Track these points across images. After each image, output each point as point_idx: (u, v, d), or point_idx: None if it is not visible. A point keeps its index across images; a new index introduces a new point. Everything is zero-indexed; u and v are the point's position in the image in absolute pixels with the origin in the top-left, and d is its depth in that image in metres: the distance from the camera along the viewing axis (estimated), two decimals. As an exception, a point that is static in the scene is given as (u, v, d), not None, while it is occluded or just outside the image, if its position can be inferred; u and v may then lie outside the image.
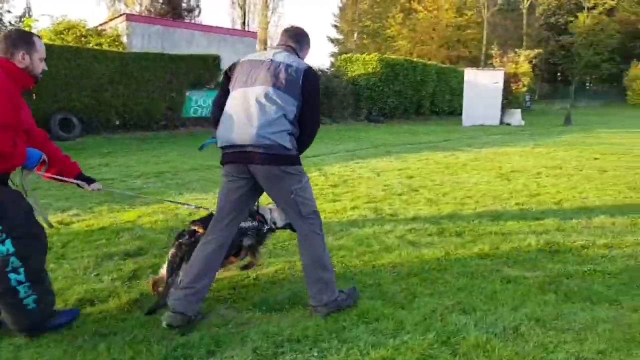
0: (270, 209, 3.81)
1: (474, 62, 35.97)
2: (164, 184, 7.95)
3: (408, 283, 3.88)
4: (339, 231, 5.32)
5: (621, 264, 4.38)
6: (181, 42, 17.26)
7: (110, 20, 19.39)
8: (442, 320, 3.23)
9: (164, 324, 3.05)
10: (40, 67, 3.03)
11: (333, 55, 45.32)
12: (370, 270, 4.18)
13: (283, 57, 3.24)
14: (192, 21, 36.76)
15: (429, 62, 25.70)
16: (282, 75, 3.14)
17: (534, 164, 10.22)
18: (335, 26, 52.85)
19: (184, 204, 4.49)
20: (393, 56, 23.02)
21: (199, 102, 16.00)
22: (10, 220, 2.82)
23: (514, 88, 22.70)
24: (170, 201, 5.97)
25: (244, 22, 44.19)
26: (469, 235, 5.23)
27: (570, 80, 49.51)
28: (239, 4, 44.89)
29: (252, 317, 3.31)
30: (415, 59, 25.03)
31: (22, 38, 2.96)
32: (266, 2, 44.70)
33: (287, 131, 3.10)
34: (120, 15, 19.61)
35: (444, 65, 26.58)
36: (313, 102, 3.23)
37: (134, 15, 22.20)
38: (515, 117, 21.93)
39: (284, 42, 3.43)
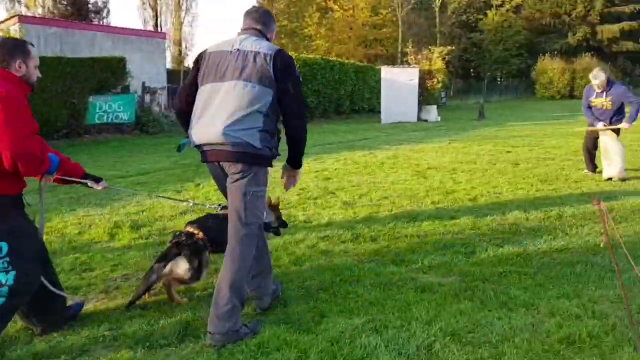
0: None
1: (391, 60, 36.47)
2: (57, 199, 7.21)
3: (317, 300, 3.55)
4: (247, 244, 4.92)
5: (536, 262, 4.26)
6: (82, 45, 16.19)
7: (1, 22, 17.91)
8: (351, 344, 2.92)
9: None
10: (35, 74, 2.99)
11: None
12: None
13: (250, 44, 3.05)
14: (101, 23, 35.07)
15: (347, 61, 25.72)
16: (251, 66, 2.96)
17: (449, 159, 10.23)
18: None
19: (183, 200, 4.78)
20: (310, 55, 22.78)
21: (104, 107, 15.06)
22: (16, 254, 2.77)
23: (428, 85, 23.10)
24: (169, 198, 6.13)
25: (156, 23, 42.73)
26: (384, 240, 4.99)
27: (482, 76, 51.35)
28: (149, 4, 43.35)
29: (134, 357, 2.85)
30: (332, 58, 24.96)
31: (18, 46, 2.95)
32: (179, 2, 43.43)
33: (257, 128, 2.93)
34: (12, 17, 18.17)
35: (361, 64, 26.69)
36: (290, 87, 3.02)
37: (27, 16, 20.69)
38: (432, 113, 22.29)
39: (249, 25, 3.23)
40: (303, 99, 3.17)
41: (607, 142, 7.87)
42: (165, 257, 3.46)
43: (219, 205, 3.99)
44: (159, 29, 41.66)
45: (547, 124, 19.03)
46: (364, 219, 5.84)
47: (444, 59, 23.57)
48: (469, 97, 44.36)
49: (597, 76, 7.97)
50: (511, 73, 50.22)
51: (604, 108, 8.03)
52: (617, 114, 8.07)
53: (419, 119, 22.12)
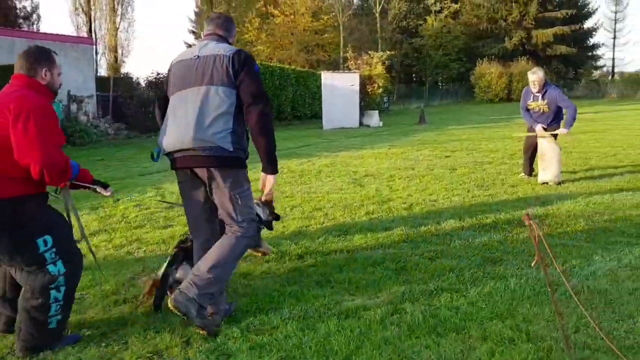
0: (256, 204, 3.86)
1: (334, 66, 36.33)
2: None
3: (226, 337, 3.11)
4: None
5: (469, 277, 4.00)
6: (1, 52, 15.15)
7: None
8: (257, 390, 2.52)
9: None
10: (58, 82, 3.10)
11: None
12: (181, 332, 3.18)
13: (210, 49, 3.14)
14: (31, 29, 33.46)
15: (287, 67, 25.35)
16: (213, 69, 3.04)
17: (388, 166, 10.00)
18: (193, 32, 51.26)
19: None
20: (271, 64, 22.37)
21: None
22: (60, 243, 2.94)
23: (369, 90, 22.99)
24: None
25: (90, 29, 41.17)
26: (311, 258, 4.63)
27: (424, 80, 52.18)
28: (82, 9, 41.77)
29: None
30: (272, 64, 24.55)
31: (43, 54, 3.03)
32: (113, 7, 42.06)
33: (228, 130, 3.00)
34: None
35: (302, 69, 26.35)
36: (247, 78, 3.04)
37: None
38: (374, 118, 22.21)
39: (211, 30, 3.32)
40: (262, 91, 3.12)
41: (545, 146, 7.81)
42: (174, 262, 3.60)
43: None
44: (93, 35, 40.18)
45: (485, 127, 19.24)
46: (293, 233, 5.47)
47: (384, 63, 23.55)
48: (412, 101, 44.92)
49: (535, 71, 7.95)
50: (451, 77, 51.16)
51: (542, 111, 7.98)
52: (555, 117, 8.04)
53: (361, 124, 22.00)
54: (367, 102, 23.08)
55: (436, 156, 11.24)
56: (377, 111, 22.76)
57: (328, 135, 18.71)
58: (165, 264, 3.63)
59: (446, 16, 50.03)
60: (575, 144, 12.69)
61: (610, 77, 50.65)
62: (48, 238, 2.89)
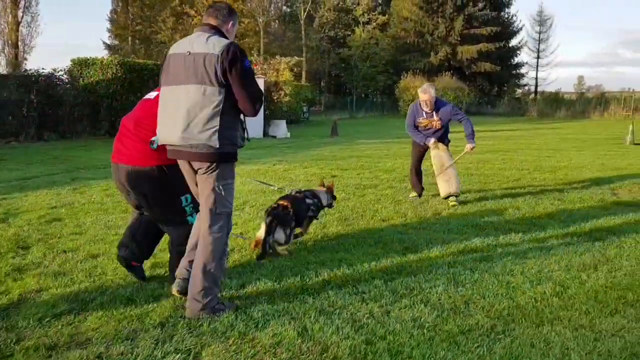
0: (321, 191, 5.30)
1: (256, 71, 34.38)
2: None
3: None
4: None
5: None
6: None
7: None
8: None
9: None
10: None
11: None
12: None
13: (201, 45, 3.17)
14: None
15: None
16: (202, 68, 3.10)
17: (251, 189, 8.14)
18: (110, 30, 47.97)
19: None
20: (140, 60, 19.91)
21: None
22: (194, 201, 3.60)
23: (275, 97, 21.02)
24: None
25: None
26: None
27: (351, 91, 51.06)
28: (-20, 0, 37.80)
29: None
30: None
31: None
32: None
33: (214, 129, 3.09)
34: None
35: None
36: (238, 86, 3.13)
37: None
38: (281, 128, 20.37)
39: (205, 20, 3.35)
40: (252, 91, 3.19)
41: (443, 157, 7.44)
42: (270, 232, 4.50)
43: (292, 190, 5.28)
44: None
45: (395, 143, 17.78)
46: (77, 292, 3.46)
47: (292, 69, 21.72)
48: (337, 112, 43.54)
49: (427, 90, 7.23)
50: (379, 89, 50.35)
51: (434, 127, 7.46)
52: (445, 132, 7.70)
53: (265, 134, 20.06)
54: (272, 110, 21.18)
55: (320, 176, 9.48)
56: (284, 121, 20.85)
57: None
58: (263, 228, 4.56)
59: (374, 28, 49.20)
60: (480, 165, 11.33)
61: (532, 96, 51.21)
62: (188, 196, 3.65)
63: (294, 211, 4.68)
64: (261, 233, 4.51)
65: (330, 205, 5.41)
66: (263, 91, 17.45)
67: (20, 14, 39.43)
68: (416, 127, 7.54)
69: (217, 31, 3.24)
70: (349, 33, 49.77)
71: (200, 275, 3.21)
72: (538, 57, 55.34)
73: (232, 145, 3.19)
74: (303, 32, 42.28)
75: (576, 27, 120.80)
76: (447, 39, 46.95)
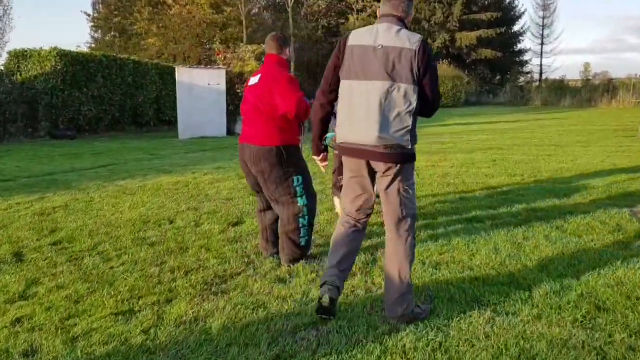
0: None
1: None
2: None
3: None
4: None
5: None
6: None
7: None
8: None
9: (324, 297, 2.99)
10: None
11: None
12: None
13: (392, 38, 2.96)
14: None
15: (146, 60, 20.89)
16: (396, 65, 2.92)
17: (143, 213, 5.96)
18: (94, 22, 45.67)
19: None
20: (85, 51, 17.72)
21: None
22: (305, 182, 4.10)
23: (240, 90, 18.69)
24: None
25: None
26: None
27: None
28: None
29: None
30: (124, 56, 20.03)
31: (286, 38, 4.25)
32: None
33: (407, 128, 2.97)
34: None
35: (167, 64, 21.75)
36: (430, 86, 3.02)
37: None
38: (249, 125, 18.09)
39: (387, 11, 3.11)
40: (438, 88, 3.12)
41: None
42: None
43: None
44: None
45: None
46: None
47: (258, 58, 19.42)
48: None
49: None
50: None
51: None
52: None
53: (231, 132, 17.78)
54: (238, 105, 18.91)
55: (238, 188, 7.30)
56: (253, 117, 18.53)
57: (180, 146, 14.47)
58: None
59: (369, 15, 46.61)
60: (462, 169, 9.10)
61: (536, 84, 48.56)
62: (300, 177, 4.06)
63: None
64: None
65: None
66: (226, 83, 15.46)
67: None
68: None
69: (403, 23, 3.06)
70: (343, 21, 47.36)
71: (397, 283, 3.09)
72: (542, 44, 52.68)
73: (414, 144, 3.04)
74: (290, 21, 39.80)
75: (580, 14, 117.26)
76: (445, 25, 44.45)
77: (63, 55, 16.04)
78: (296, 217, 4.04)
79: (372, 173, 3.13)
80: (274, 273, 3.97)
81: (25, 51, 16.40)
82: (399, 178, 3.06)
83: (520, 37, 50.61)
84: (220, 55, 20.11)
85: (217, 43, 21.86)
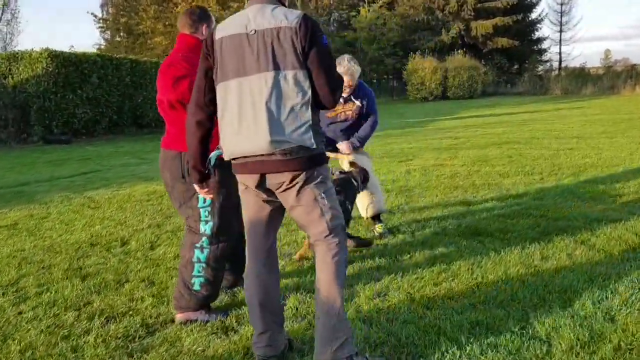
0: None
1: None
2: None
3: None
4: None
5: None
6: None
7: None
8: None
9: None
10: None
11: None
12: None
13: (267, 18, 2.35)
14: None
15: (145, 59, 20.17)
16: (277, 50, 2.33)
17: (91, 234, 5.16)
18: (102, 23, 45.31)
19: None
20: (79, 51, 17.00)
21: None
22: (218, 207, 3.01)
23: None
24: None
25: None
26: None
27: (360, 77, 47.56)
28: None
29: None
30: (121, 55, 19.33)
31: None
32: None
33: (307, 123, 2.35)
34: None
35: None
36: (320, 63, 2.37)
37: None
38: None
39: None
40: (334, 70, 2.46)
41: (366, 163, 4.85)
42: None
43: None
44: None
45: (384, 135, 14.63)
46: None
47: None
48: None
49: (343, 62, 4.72)
50: (388, 73, 46.89)
51: (347, 118, 4.83)
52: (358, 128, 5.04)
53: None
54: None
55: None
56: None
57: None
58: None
59: (381, 7, 45.48)
60: (473, 167, 8.18)
61: (555, 72, 46.91)
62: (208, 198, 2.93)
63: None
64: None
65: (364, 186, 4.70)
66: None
67: (-1, 11, 37.11)
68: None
69: (279, 2, 2.45)
70: (354, 14, 46.33)
71: (325, 314, 2.41)
72: (561, 31, 51.01)
73: (322, 141, 2.48)
74: (300, 15, 38.96)
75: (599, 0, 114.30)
76: (460, 14, 43.13)
77: (55, 56, 15.34)
78: (192, 246, 3.06)
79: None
80: (219, 318, 3.11)
81: (17, 53, 15.78)
82: (311, 185, 2.43)
83: (538, 25, 49.00)
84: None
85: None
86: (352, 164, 4.68)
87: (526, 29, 47.13)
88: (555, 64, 50.28)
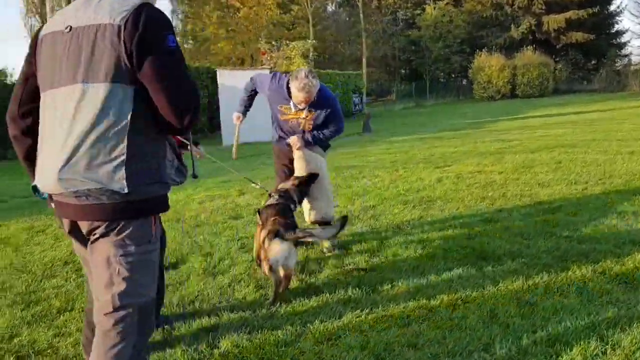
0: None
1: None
2: None
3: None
4: None
5: None
6: None
7: None
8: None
9: None
10: None
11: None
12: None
13: (88, 13, 1.83)
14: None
15: (197, 65, 20.25)
16: (90, 56, 1.80)
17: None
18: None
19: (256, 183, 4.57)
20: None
21: None
22: None
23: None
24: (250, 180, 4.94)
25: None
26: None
27: (424, 76, 46.50)
28: (35, 11, 37.58)
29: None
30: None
31: None
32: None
33: (117, 160, 1.81)
34: None
35: (204, 67, 20.73)
36: (157, 73, 1.82)
37: None
38: (299, 127, 17.00)
39: None
40: (182, 81, 1.85)
41: (317, 161, 4.44)
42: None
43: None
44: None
45: (435, 138, 13.92)
46: None
47: (305, 56, 18.06)
48: (407, 100, 39.54)
49: (298, 76, 4.12)
50: (454, 72, 45.47)
51: (301, 127, 4.40)
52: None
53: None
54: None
55: (223, 210, 6.15)
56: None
57: (210, 155, 13.58)
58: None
59: (447, 4, 44.20)
60: (513, 174, 7.45)
61: (636, 67, 43.67)
62: None
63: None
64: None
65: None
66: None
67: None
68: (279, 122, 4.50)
69: None
70: (419, 12, 45.26)
71: None
72: (644, 22, 47.64)
73: (153, 184, 1.88)
74: (361, 15, 38.37)
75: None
76: (530, 8, 41.15)
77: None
78: None
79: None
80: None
81: None
82: (108, 240, 1.86)
83: (617, 17, 45.98)
84: (265, 55, 19.17)
85: (263, 42, 20.92)
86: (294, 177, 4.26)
87: (603, 21, 44.38)
88: (636, 59, 46.88)
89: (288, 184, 4.18)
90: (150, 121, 1.87)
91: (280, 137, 4.55)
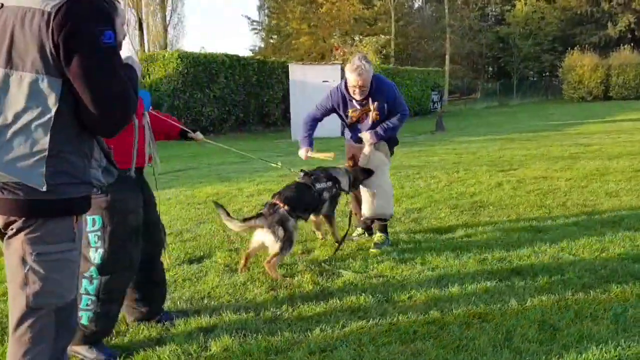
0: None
1: (386, 58, 30.81)
2: None
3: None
4: None
5: None
6: None
7: None
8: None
9: None
10: (122, 32, 2.13)
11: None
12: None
13: None
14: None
15: (272, 59, 20.43)
16: (12, 41, 1.68)
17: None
18: (257, 22, 47.66)
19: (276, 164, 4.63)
20: (207, 52, 17.62)
21: None
22: (110, 232, 2.56)
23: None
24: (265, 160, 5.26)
25: (140, 26, 38.23)
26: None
27: (511, 74, 44.69)
28: (130, 4, 39.50)
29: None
30: (247, 55, 19.77)
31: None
32: (163, 1, 39.39)
33: (40, 154, 1.69)
34: None
35: (268, 60, 20.57)
36: (83, 70, 1.69)
37: None
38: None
39: None
40: (110, 82, 1.73)
41: (379, 160, 4.52)
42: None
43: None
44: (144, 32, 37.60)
45: (509, 139, 13.29)
46: None
47: (379, 51, 17.67)
48: (492, 99, 38.20)
49: (357, 67, 4.21)
50: (545, 71, 43.37)
51: (370, 120, 4.46)
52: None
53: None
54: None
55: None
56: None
57: (277, 149, 13.72)
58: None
59: (538, 0, 42.15)
60: (583, 184, 6.94)
61: None
62: (99, 219, 2.54)
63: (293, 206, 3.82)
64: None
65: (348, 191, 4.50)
66: (340, 80, 14.50)
67: (168, 15, 40.53)
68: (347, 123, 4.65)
69: None
70: (509, 8, 43.48)
71: None
72: None
73: (76, 184, 1.77)
74: (446, 11, 37.37)
75: None
76: (630, 4, 38.34)
77: (184, 57, 16.21)
78: (80, 276, 2.49)
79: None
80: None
81: (153, 55, 16.94)
82: (22, 238, 1.74)
83: None
84: (338, 51, 19.05)
85: (336, 37, 20.78)
86: (350, 159, 4.55)
87: None
88: None
89: (344, 165, 4.57)
90: (74, 116, 1.76)
91: (351, 137, 4.74)
